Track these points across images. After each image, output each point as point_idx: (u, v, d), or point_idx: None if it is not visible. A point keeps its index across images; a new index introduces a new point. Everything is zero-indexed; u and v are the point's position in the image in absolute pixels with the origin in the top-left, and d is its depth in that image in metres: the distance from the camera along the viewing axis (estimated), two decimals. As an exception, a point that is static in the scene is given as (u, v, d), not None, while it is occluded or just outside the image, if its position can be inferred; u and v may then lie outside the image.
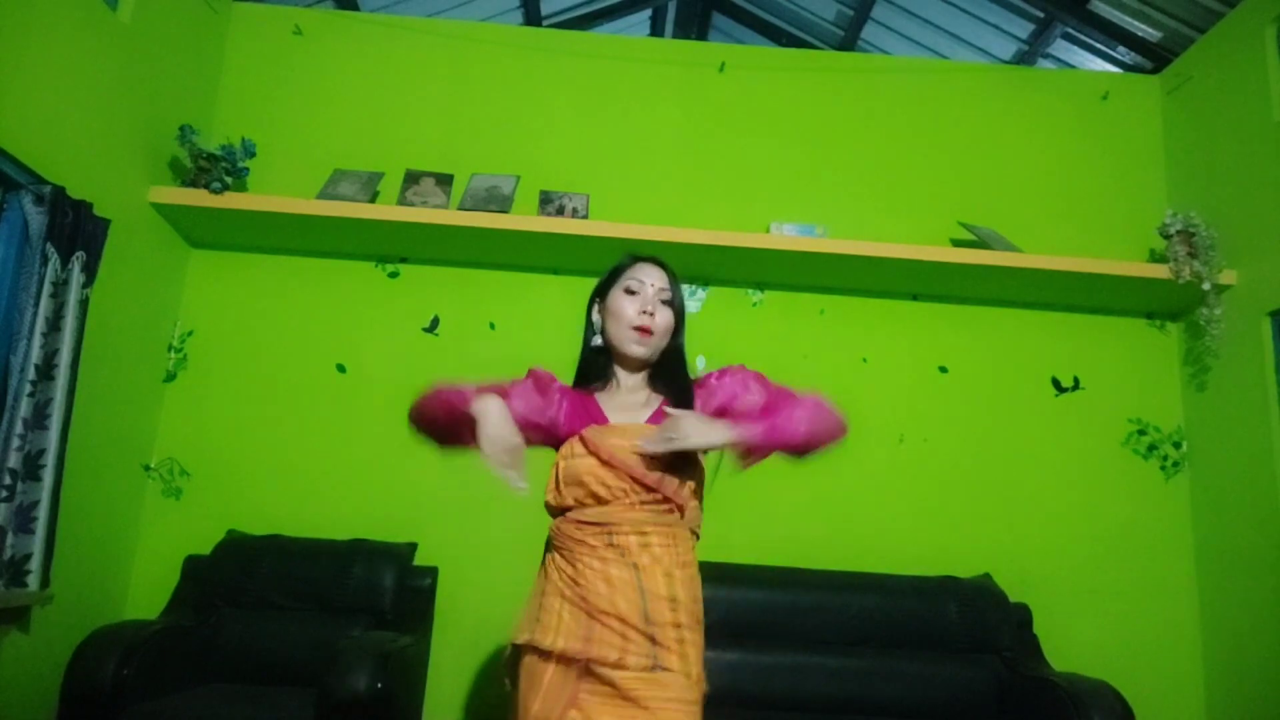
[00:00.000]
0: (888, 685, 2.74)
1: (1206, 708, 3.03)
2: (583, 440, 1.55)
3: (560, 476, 1.57)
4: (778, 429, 1.50)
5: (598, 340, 1.67)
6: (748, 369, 1.66)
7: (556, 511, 1.60)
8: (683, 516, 1.56)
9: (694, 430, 1.48)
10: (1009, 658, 2.80)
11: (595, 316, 1.68)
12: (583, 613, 1.47)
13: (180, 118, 3.15)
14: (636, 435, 1.53)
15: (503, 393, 1.57)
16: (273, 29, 3.58)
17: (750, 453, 1.51)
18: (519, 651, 1.52)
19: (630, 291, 1.63)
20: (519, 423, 1.53)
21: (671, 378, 1.64)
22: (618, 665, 1.42)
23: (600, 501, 1.53)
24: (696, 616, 1.53)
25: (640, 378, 1.67)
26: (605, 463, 1.51)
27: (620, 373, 1.67)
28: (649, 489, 1.51)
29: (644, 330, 1.60)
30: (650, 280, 1.64)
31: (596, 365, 1.68)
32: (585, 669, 1.44)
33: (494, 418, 1.49)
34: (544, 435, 1.62)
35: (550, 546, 1.61)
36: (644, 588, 1.47)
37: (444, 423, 1.57)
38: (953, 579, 2.95)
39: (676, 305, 1.65)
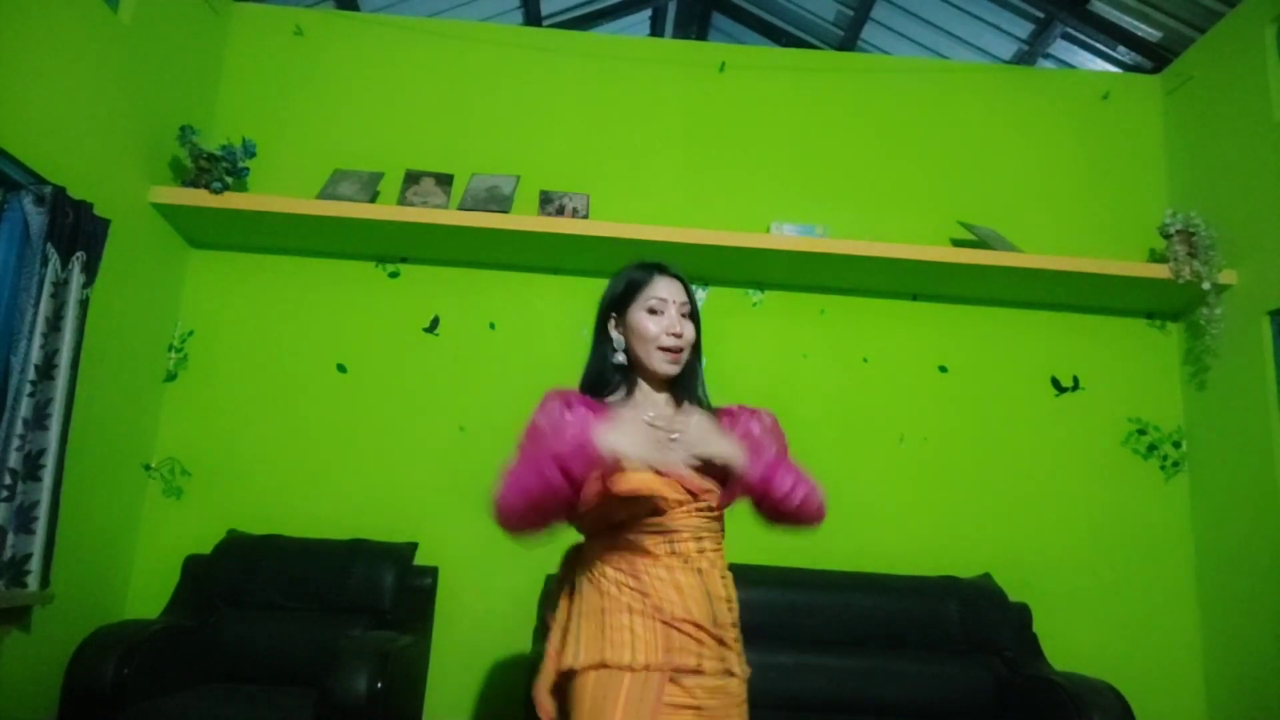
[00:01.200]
0: (888, 685, 2.74)
1: (1207, 707, 3.03)
2: None
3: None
4: (776, 474, 1.51)
5: (620, 358, 1.65)
6: (778, 422, 1.67)
7: (600, 527, 1.56)
8: (721, 523, 1.61)
9: (699, 437, 1.49)
10: (1009, 658, 2.80)
11: (615, 333, 1.67)
12: (657, 623, 1.46)
13: (180, 118, 3.16)
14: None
15: (562, 435, 1.50)
16: (273, 29, 3.58)
17: (736, 488, 1.52)
18: (567, 676, 1.48)
19: (653, 311, 1.63)
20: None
21: (691, 389, 1.66)
22: (696, 671, 1.44)
23: (657, 512, 1.53)
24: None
25: (667, 394, 1.68)
26: (661, 475, 1.49)
27: (646, 388, 1.67)
28: (699, 496, 1.53)
29: (674, 351, 1.61)
30: (672, 297, 1.64)
31: (613, 378, 1.67)
32: (665, 679, 1.43)
33: (622, 435, 1.39)
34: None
35: (582, 567, 1.58)
36: (710, 592, 1.51)
37: (549, 499, 1.45)
38: (953, 579, 2.95)
39: (696, 316, 1.68)
